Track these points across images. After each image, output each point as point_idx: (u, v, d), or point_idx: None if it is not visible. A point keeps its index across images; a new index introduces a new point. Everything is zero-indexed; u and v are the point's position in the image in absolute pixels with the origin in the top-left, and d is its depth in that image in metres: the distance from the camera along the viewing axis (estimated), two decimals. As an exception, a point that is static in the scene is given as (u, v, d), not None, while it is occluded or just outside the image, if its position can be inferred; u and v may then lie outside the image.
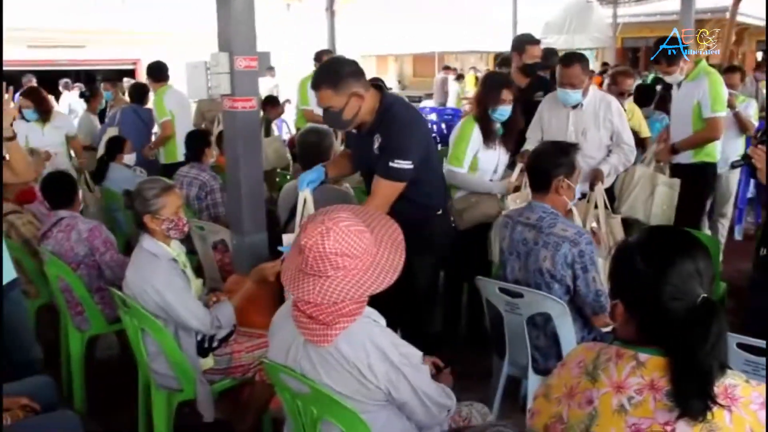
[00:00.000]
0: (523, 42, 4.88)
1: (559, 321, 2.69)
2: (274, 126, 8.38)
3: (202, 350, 2.84)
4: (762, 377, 2.07)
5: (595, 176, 3.78)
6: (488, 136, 3.71)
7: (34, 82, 10.40)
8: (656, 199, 4.25)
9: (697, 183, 4.43)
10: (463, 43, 17.72)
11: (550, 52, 5.53)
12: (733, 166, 3.75)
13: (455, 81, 15.20)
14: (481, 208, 3.72)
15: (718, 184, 5.01)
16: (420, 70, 23.58)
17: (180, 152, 5.72)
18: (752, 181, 5.83)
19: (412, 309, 3.17)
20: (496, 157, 3.79)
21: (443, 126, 10.47)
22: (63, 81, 12.76)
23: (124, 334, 3.12)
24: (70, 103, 11.28)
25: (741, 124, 5.24)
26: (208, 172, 4.68)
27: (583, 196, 3.50)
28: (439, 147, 5.88)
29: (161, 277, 2.70)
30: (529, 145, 4.13)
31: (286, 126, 10.50)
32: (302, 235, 1.84)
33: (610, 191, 4.41)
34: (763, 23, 14.54)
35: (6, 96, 2.79)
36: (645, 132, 5.33)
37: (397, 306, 3.23)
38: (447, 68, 16.43)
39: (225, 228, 3.81)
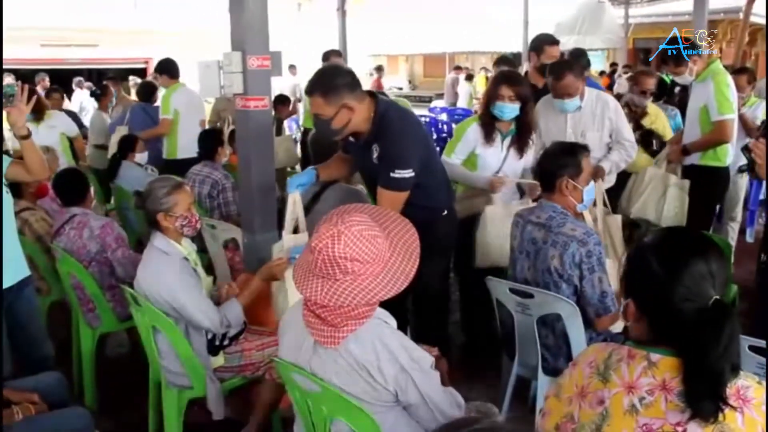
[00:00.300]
0: (541, 42, 4.80)
1: (570, 321, 2.69)
2: (285, 125, 8.39)
3: (213, 348, 2.85)
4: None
5: (595, 173, 3.75)
6: (487, 133, 3.68)
7: (47, 81, 10.47)
8: (668, 200, 4.23)
9: (706, 185, 4.38)
10: (473, 43, 17.74)
11: (578, 53, 5.34)
12: (740, 170, 3.69)
13: (466, 81, 15.17)
14: (473, 201, 3.70)
15: None
16: (430, 70, 23.58)
17: (180, 149, 5.76)
18: (765, 182, 5.77)
19: (422, 313, 3.16)
20: (500, 156, 3.71)
21: (453, 126, 10.42)
22: (77, 79, 12.88)
23: (135, 331, 3.14)
24: (81, 101, 11.35)
25: (746, 127, 5.19)
26: (221, 171, 4.69)
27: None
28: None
29: (172, 276, 2.71)
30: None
31: (296, 125, 10.51)
32: (314, 236, 1.82)
33: (617, 191, 4.40)
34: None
35: (21, 95, 2.81)
36: (669, 135, 5.27)
37: (407, 308, 3.24)
38: (458, 68, 16.45)
39: (236, 227, 3.83)
